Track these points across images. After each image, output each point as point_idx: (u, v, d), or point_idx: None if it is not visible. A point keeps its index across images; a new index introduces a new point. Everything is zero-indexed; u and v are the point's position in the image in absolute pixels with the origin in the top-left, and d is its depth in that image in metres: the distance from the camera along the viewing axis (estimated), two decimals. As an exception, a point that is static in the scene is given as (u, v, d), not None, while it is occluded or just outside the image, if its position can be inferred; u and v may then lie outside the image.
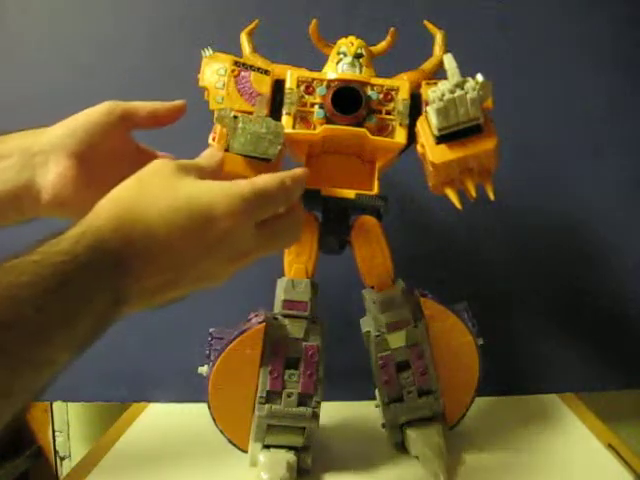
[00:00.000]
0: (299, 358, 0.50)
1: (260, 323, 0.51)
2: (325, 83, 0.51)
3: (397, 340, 0.53)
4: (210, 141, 0.46)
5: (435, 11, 0.59)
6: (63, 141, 0.43)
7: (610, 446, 0.56)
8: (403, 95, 0.51)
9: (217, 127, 0.46)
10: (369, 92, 0.50)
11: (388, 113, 0.51)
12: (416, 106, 0.51)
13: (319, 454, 0.53)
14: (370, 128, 0.50)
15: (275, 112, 0.51)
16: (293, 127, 0.50)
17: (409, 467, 0.53)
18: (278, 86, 0.51)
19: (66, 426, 0.84)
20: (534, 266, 0.73)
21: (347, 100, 0.49)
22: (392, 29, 0.54)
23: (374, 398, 0.57)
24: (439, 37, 0.54)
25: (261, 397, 0.50)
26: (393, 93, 0.51)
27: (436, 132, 0.46)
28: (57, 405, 0.83)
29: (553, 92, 0.72)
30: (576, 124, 0.72)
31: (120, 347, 0.60)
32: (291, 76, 0.51)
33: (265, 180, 0.37)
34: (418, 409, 0.53)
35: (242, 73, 0.51)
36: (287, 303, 0.51)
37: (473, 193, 0.48)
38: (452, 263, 0.72)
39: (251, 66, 0.51)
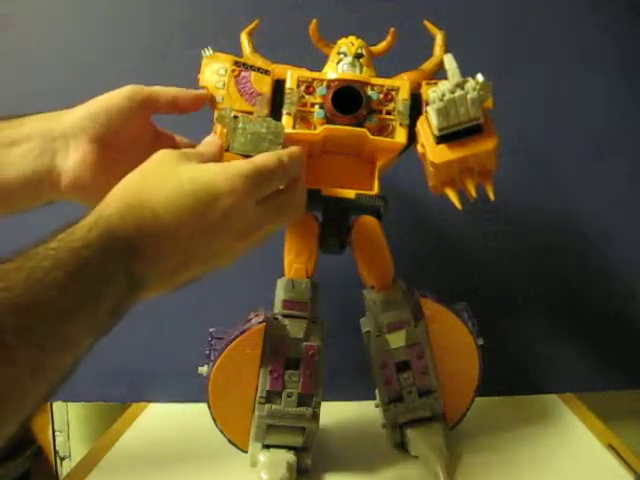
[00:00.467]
0: (299, 358, 0.50)
1: (260, 323, 0.51)
2: (325, 83, 0.51)
3: (397, 340, 0.53)
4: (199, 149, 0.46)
5: (435, 11, 0.59)
6: (84, 125, 0.44)
7: (610, 446, 0.56)
8: (403, 95, 0.51)
9: (217, 127, 0.46)
10: (369, 92, 0.50)
11: (388, 113, 0.51)
12: (416, 106, 0.51)
13: (319, 454, 0.53)
14: (370, 128, 0.50)
15: (275, 112, 0.51)
16: (293, 127, 0.50)
17: (409, 467, 0.53)
18: (278, 86, 0.51)
19: (66, 426, 0.84)
20: (534, 266, 0.73)
21: (347, 100, 0.49)
22: (392, 29, 0.54)
23: (374, 398, 0.57)
24: (439, 37, 0.54)
25: (261, 397, 0.50)
26: (393, 93, 0.51)
27: (436, 132, 0.46)
28: (57, 405, 0.83)
29: (553, 92, 0.72)
30: (576, 124, 0.72)
31: (120, 347, 0.60)
32: (291, 76, 0.51)
33: (263, 158, 0.40)
34: (418, 409, 0.53)
35: (242, 73, 0.51)
36: (287, 303, 0.51)
37: (473, 193, 0.48)
38: (452, 263, 0.72)
39: (251, 66, 0.51)
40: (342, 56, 0.52)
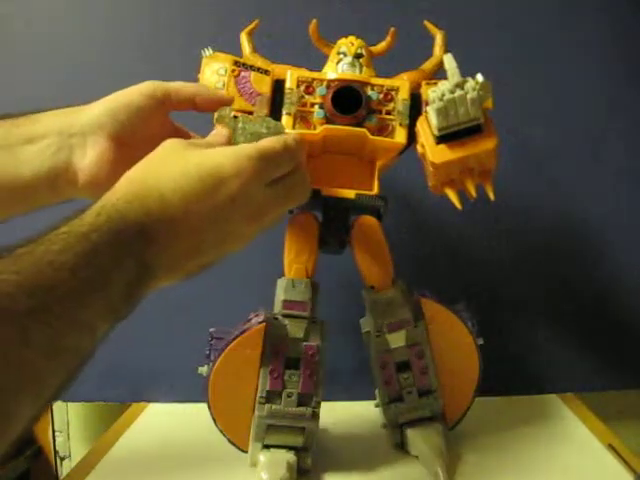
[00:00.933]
0: (299, 358, 0.50)
1: (260, 323, 0.51)
2: (325, 83, 0.51)
3: (397, 340, 0.53)
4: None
5: (435, 11, 0.60)
6: (101, 122, 0.43)
7: (610, 446, 0.56)
8: (403, 95, 0.51)
9: (217, 127, 0.46)
10: (369, 92, 0.50)
11: (388, 113, 0.51)
12: (416, 106, 0.51)
13: (319, 454, 0.53)
14: (370, 128, 0.50)
15: (275, 112, 0.51)
16: (293, 127, 0.50)
17: (409, 467, 0.53)
18: (278, 86, 0.51)
19: (66, 426, 0.84)
20: (534, 266, 0.73)
21: (347, 100, 0.49)
22: (392, 29, 0.54)
23: (374, 398, 0.57)
24: (439, 37, 0.54)
25: (261, 397, 0.50)
26: (393, 93, 0.51)
27: (436, 132, 0.46)
28: (57, 405, 0.82)
29: (553, 92, 0.72)
30: (576, 124, 0.72)
31: (120, 347, 0.60)
32: (291, 76, 0.51)
33: (269, 142, 0.40)
34: (418, 409, 0.53)
35: (242, 73, 0.51)
36: (287, 303, 0.51)
37: (473, 193, 0.48)
38: (452, 263, 0.72)
39: (251, 66, 0.51)
40: (342, 56, 0.52)
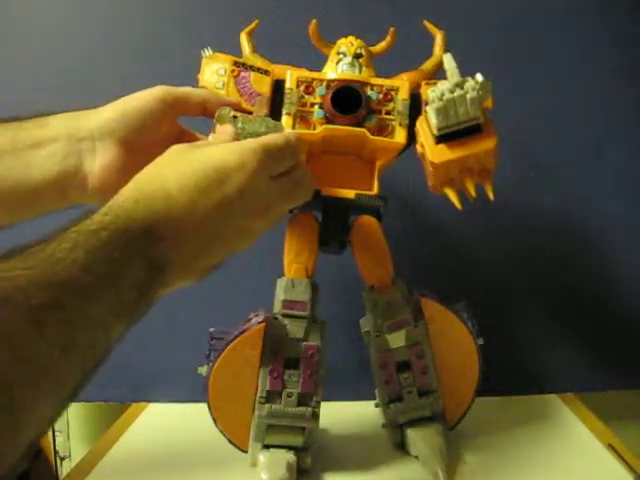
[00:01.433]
0: (299, 358, 0.50)
1: (260, 323, 0.51)
2: (325, 83, 0.51)
3: (397, 340, 0.53)
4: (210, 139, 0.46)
5: (435, 11, 0.59)
6: (111, 126, 0.43)
7: (610, 446, 0.56)
8: (403, 95, 0.51)
9: (217, 127, 0.46)
10: (369, 92, 0.50)
11: (388, 113, 0.51)
12: (416, 106, 0.51)
13: (319, 454, 0.53)
14: (370, 128, 0.50)
15: (275, 112, 0.51)
16: (293, 127, 0.50)
17: (409, 467, 0.53)
18: (278, 86, 0.51)
19: (66, 426, 0.83)
20: (534, 266, 0.73)
21: (347, 100, 0.49)
22: (392, 29, 0.54)
23: (374, 398, 0.57)
24: (439, 37, 0.54)
25: (261, 397, 0.50)
26: (393, 93, 0.51)
27: (436, 132, 0.46)
28: (57, 405, 0.82)
29: (553, 92, 0.72)
30: (576, 124, 0.72)
31: (120, 347, 0.60)
32: (291, 76, 0.51)
33: (271, 137, 0.40)
34: (418, 409, 0.53)
35: (242, 73, 0.51)
36: (287, 303, 0.51)
37: (473, 193, 0.47)
38: (452, 263, 0.72)
39: (251, 66, 0.51)
40: (341, 56, 0.52)
